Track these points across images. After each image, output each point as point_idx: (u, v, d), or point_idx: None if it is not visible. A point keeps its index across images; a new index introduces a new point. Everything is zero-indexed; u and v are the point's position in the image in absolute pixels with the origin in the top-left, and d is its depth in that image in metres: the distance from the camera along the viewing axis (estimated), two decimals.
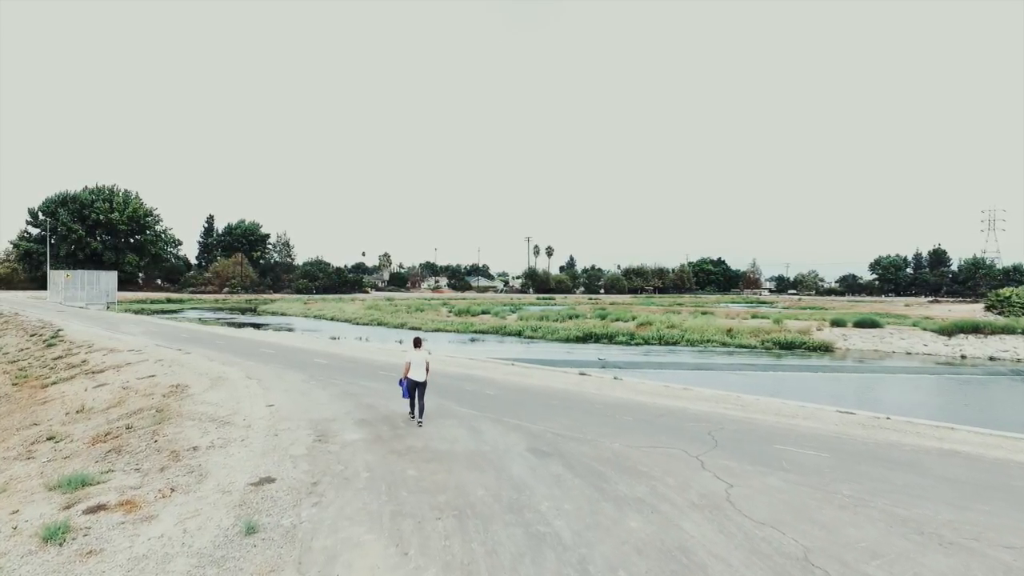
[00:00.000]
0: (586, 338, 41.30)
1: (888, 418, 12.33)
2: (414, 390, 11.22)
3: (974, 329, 38.48)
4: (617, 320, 47.42)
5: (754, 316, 51.63)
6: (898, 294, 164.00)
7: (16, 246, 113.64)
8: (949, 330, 38.67)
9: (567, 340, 41.03)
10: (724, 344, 38.89)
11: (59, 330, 29.41)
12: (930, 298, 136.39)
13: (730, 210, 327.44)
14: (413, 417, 11.38)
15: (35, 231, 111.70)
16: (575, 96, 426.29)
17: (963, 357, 34.26)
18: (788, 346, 37.71)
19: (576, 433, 10.38)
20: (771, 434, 10.59)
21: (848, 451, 9.52)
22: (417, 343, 11.65)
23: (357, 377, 16.48)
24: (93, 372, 18.96)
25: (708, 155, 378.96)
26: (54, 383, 18.43)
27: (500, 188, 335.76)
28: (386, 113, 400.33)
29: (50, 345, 25.40)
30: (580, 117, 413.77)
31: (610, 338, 40.95)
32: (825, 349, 37.17)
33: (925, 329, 40.78)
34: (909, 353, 36.11)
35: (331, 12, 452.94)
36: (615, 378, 17.08)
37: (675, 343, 39.54)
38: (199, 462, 8.71)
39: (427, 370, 11.25)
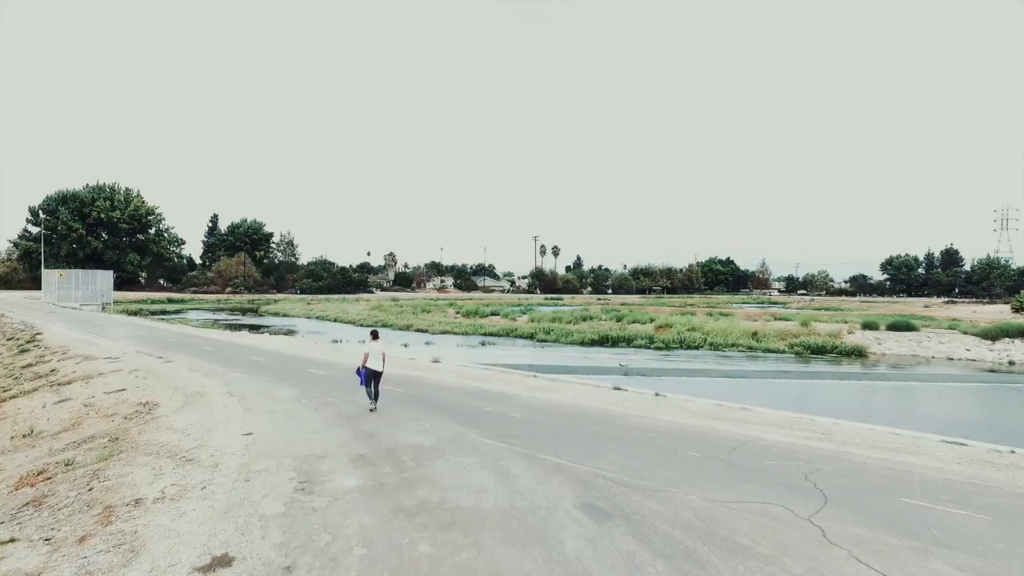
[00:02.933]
0: (602, 341, 38.94)
1: (1013, 451, 9.93)
2: (371, 379, 12.15)
3: (1020, 333, 35.90)
4: (634, 322, 45.01)
5: (777, 318, 49.17)
6: (910, 294, 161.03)
7: (16, 245, 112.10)
8: (993, 334, 36.11)
9: (582, 344, 38.68)
10: (750, 348, 36.42)
11: (37, 334, 27.22)
12: (944, 299, 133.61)
13: (739, 209, 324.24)
14: (373, 409, 12.10)
15: (35, 230, 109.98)
16: (581, 95, 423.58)
17: (1011, 363, 31.64)
18: (819, 350, 35.22)
19: (635, 477, 8.01)
20: (887, 479, 8.19)
21: (1007, 510, 7.12)
22: (375, 335, 12.67)
23: (357, 394, 14.13)
24: (59, 384, 16.72)
25: (716, 154, 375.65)
26: (13, 397, 16.20)
27: (506, 187, 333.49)
28: (392, 112, 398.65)
29: (23, 351, 23.23)
30: (587, 116, 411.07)
31: (628, 341, 38.54)
32: (859, 354, 34.66)
33: (965, 332, 38.25)
34: (951, 359, 33.57)
35: (337, 10, 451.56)
36: (657, 394, 14.68)
37: (697, 347, 37.12)
38: (136, 527, 6.39)
39: (383, 361, 12.32)
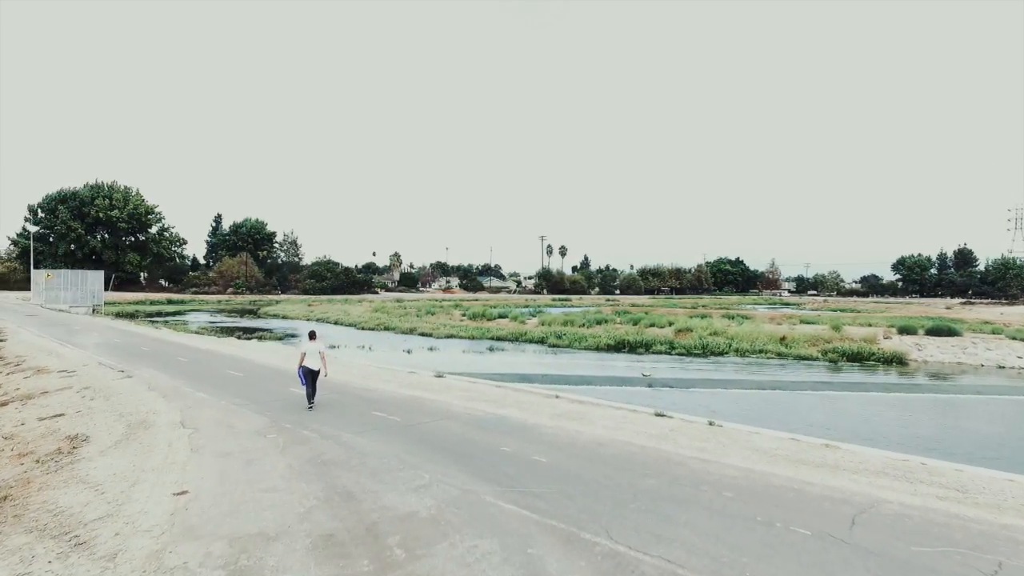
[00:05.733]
0: (619, 347, 36.12)
1: None
2: (309, 378, 12.68)
3: None
4: (651, 326, 42.18)
5: (804, 321, 46.24)
6: (923, 295, 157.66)
7: (15, 243, 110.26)
8: None
9: (597, 349, 35.90)
10: (779, 355, 33.53)
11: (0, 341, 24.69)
12: (961, 299, 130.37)
13: (748, 209, 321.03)
14: (311, 407, 12.67)
15: (34, 228, 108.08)
16: (587, 94, 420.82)
17: None
18: (854, 357, 32.33)
19: None
20: None
21: None
22: (312, 336, 13.21)
23: (341, 422, 11.46)
24: None
25: (725, 153, 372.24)
26: None
27: (512, 187, 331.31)
28: (396, 112, 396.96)
29: None
30: (593, 115, 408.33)
31: (647, 347, 35.72)
32: (899, 361, 31.74)
33: (1013, 338, 35.35)
34: (1001, 367, 30.67)
35: (339, 10, 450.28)
36: (711, 424, 11.88)
37: (722, 353, 34.27)
38: None
39: (321, 359, 12.82)
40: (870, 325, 42.57)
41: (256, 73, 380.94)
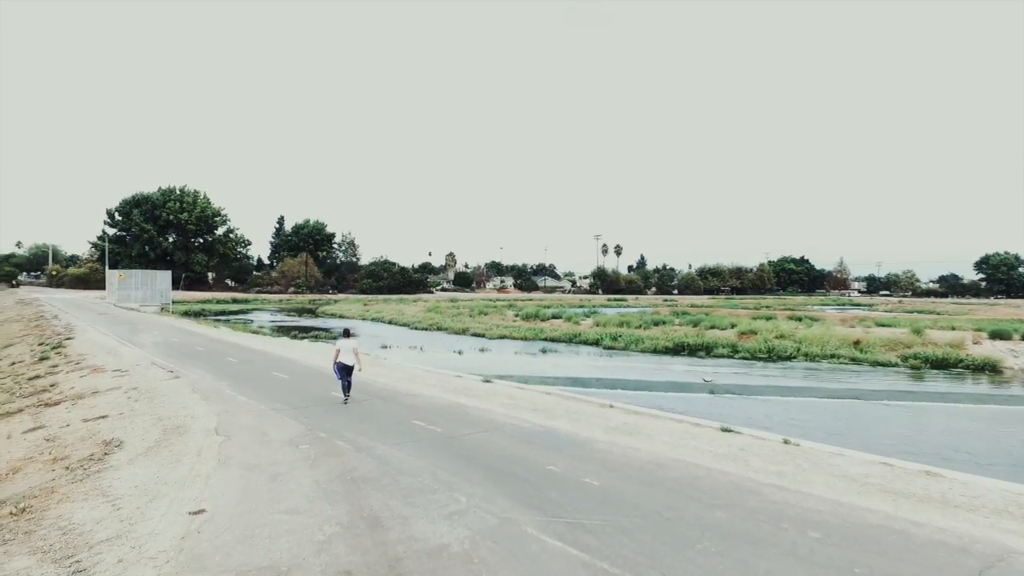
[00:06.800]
0: (677, 349, 34.52)
1: None
2: (344, 373, 13.32)
3: None
4: (712, 328, 40.22)
5: (880, 324, 43.09)
6: (1009, 296, 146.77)
7: (95, 246, 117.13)
8: None
9: (655, 351, 34.39)
10: (854, 360, 31.11)
11: (68, 339, 25.51)
12: None
13: (813, 206, 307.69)
14: (345, 402, 13.33)
15: (111, 231, 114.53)
16: (645, 91, 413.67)
17: None
18: (940, 364, 29.64)
19: None
20: None
21: None
22: (347, 333, 14.10)
23: (379, 432, 10.77)
24: (47, 404, 14.23)
25: (789, 149, 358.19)
26: None
27: (567, 186, 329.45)
28: (454, 113, 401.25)
29: (43, 358, 21.30)
30: (651, 112, 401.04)
31: (707, 350, 34.00)
32: (991, 369, 28.89)
33: None
34: None
35: (393, 13, 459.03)
36: (786, 442, 10.53)
37: (790, 357, 32.14)
38: None
39: (355, 355, 13.36)
40: (953, 328, 39.25)
41: (318, 79, 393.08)
